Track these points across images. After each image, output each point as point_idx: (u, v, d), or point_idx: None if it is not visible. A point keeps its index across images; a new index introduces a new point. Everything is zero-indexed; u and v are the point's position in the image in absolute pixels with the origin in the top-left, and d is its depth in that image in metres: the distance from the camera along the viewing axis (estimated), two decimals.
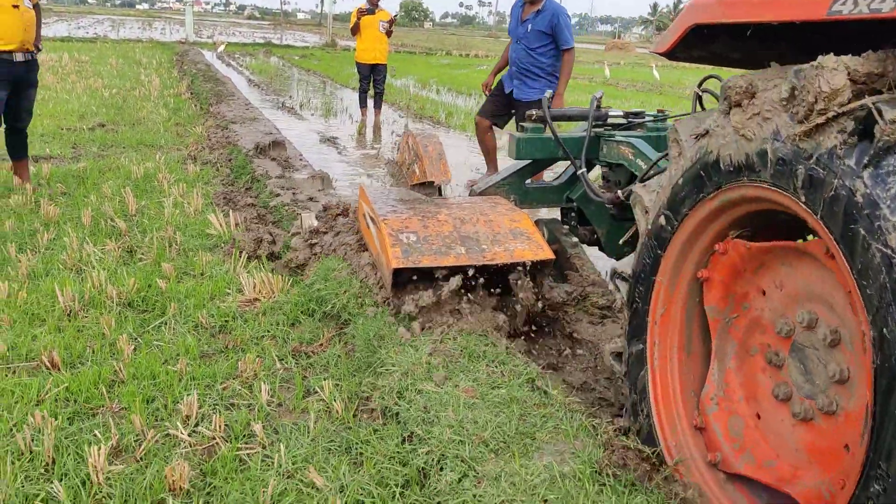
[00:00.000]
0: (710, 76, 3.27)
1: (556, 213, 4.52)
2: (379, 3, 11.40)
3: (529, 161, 4.13)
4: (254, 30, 53.66)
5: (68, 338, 3.37)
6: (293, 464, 2.52)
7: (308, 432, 2.73)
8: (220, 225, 5.02)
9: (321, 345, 3.50)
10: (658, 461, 2.28)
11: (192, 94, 12.78)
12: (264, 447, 2.63)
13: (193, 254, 4.57)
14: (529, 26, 6.34)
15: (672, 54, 2.32)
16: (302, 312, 3.81)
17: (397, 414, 2.72)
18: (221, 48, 24.07)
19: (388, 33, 11.51)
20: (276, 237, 4.70)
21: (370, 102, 11.76)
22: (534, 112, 3.99)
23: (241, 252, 4.51)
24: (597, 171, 4.32)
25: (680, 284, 2.25)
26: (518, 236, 3.45)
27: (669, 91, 20.25)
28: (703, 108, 3.37)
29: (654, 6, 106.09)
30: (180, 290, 3.98)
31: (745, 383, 2.11)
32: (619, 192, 3.58)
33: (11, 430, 2.62)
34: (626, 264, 2.49)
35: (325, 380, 3.08)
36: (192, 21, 33.44)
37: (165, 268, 4.23)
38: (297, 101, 13.93)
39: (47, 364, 3.12)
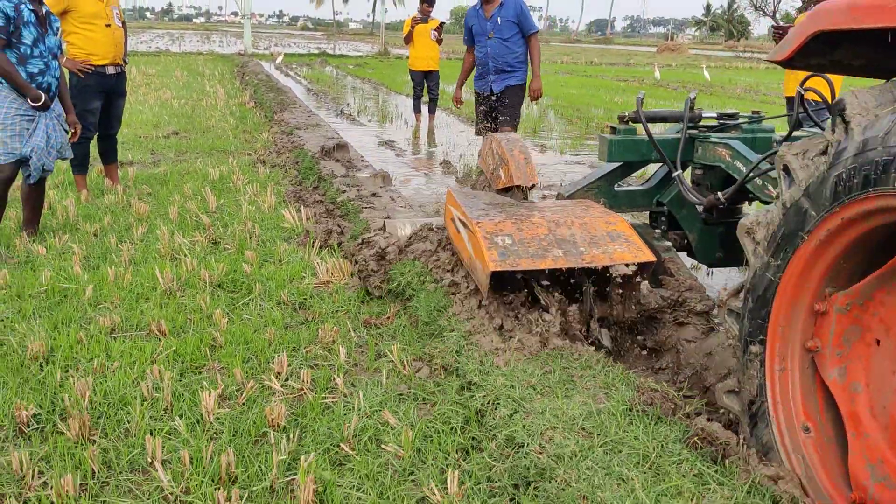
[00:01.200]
0: (813, 75, 3.20)
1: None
2: (431, 12, 11.92)
3: (619, 164, 4.05)
4: (307, 41, 54.85)
5: (171, 311, 3.89)
6: (370, 407, 2.98)
7: (381, 385, 3.19)
8: (293, 219, 5.53)
9: (388, 317, 3.95)
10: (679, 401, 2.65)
11: (255, 102, 13.45)
12: (345, 396, 3.09)
13: (271, 244, 5.09)
14: (498, 19, 6.62)
15: (789, 62, 2.27)
16: (369, 292, 4.28)
17: (457, 369, 3.16)
18: (280, 59, 24.88)
19: (439, 41, 12.01)
20: (345, 229, 5.19)
21: (424, 108, 12.27)
22: (626, 114, 3.95)
23: (314, 242, 5.01)
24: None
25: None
26: (616, 239, 3.34)
27: (720, 92, 20.35)
28: (804, 110, 3.43)
29: (708, 7, 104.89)
30: (263, 273, 4.49)
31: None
32: (720, 194, 3.48)
33: (135, 380, 3.13)
34: (736, 298, 2.38)
35: (393, 345, 3.54)
36: (249, 33, 34.52)
37: (248, 255, 4.75)
38: (354, 108, 14.52)
39: (156, 332, 3.64)
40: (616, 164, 4.06)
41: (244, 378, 3.19)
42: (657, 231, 4.11)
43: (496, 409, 2.76)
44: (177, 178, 7.12)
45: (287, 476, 2.53)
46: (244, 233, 5.28)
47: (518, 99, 6.87)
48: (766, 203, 3.33)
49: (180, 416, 2.88)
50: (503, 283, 3.45)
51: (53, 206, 5.75)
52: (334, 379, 3.21)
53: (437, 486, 2.45)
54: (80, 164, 6.26)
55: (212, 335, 3.62)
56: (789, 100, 7.25)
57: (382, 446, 2.72)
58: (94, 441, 2.70)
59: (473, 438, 2.76)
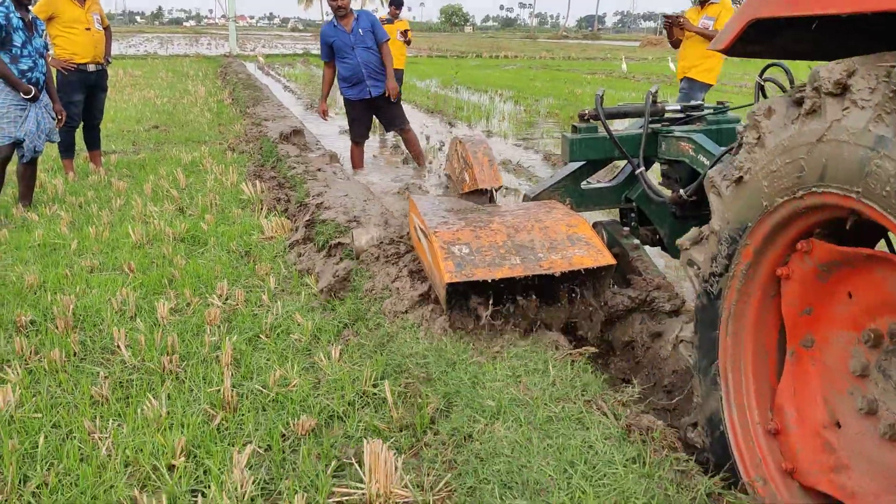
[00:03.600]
0: (772, 64, 3.25)
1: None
2: (399, 14, 12.87)
3: (583, 162, 4.03)
4: (296, 41, 55.79)
5: (139, 257, 4.85)
6: (285, 313, 3.94)
7: (298, 301, 4.16)
8: (250, 191, 6.49)
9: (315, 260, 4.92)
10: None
11: (233, 99, 14.40)
12: (268, 308, 4.06)
13: (228, 210, 6.05)
14: (360, 30, 7.46)
15: (731, 51, 2.27)
16: (305, 243, 5.24)
17: (354, 285, 4.13)
18: (261, 59, 25.81)
19: (407, 42, 12.96)
20: (290, 197, 6.15)
21: None
22: (587, 111, 3.92)
23: (262, 206, 5.98)
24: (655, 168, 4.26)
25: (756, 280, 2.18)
26: (576, 242, 3.31)
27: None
28: (765, 98, 3.33)
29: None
30: (218, 231, 5.45)
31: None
32: (682, 191, 3.48)
33: (108, 299, 4.09)
34: (699, 251, 2.39)
35: (313, 275, 4.50)
36: (234, 35, 35.44)
37: (207, 218, 5.71)
38: None
39: (127, 270, 4.60)
40: (580, 163, 4.04)
41: (192, 296, 4.15)
42: (626, 228, 4.14)
43: (372, 305, 3.74)
44: (153, 163, 8.07)
45: (215, 353, 3.49)
46: (206, 202, 6.23)
47: (398, 98, 7.75)
48: None
49: (141, 320, 3.84)
50: (476, 289, 3.41)
51: (45, 185, 6.71)
52: (263, 298, 4.18)
53: (324, 356, 3.42)
54: (66, 150, 7.24)
55: (171, 272, 4.58)
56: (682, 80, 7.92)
57: (290, 335, 3.69)
58: (76, 334, 3.66)
59: (355, 324, 3.73)
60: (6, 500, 2.43)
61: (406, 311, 3.57)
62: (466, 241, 3.28)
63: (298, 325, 3.79)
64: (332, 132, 11.21)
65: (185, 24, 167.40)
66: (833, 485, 1.91)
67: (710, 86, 7.48)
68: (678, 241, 2.48)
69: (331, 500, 2.41)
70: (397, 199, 6.21)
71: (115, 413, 2.97)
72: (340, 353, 3.44)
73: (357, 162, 8.03)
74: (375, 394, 3.06)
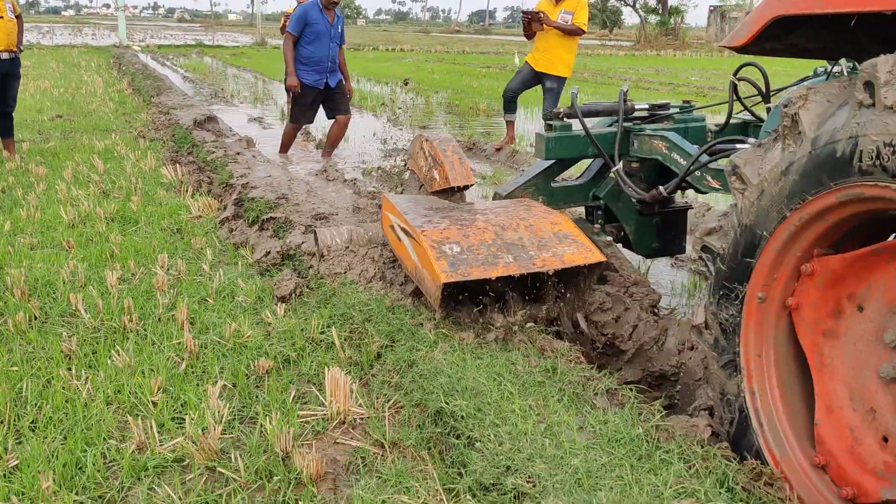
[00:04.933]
0: (747, 64, 3.26)
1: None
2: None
3: (553, 160, 4.05)
4: (185, 32, 54.59)
5: (76, 234, 5.09)
6: (228, 279, 4.31)
7: (237, 269, 4.53)
8: (171, 174, 6.74)
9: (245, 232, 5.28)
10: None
11: (133, 89, 14.34)
12: (210, 276, 4.41)
13: (153, 192, 6.30)
14: (340, 27, 8.03)
15: (745, 48, 2.27)
16: (235, 219, 5.58)
17: (295, 258, 4.53)
18: (145, 48, 25.40)
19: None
20: (213, 179, 6.46)
21: None
22: (561, 110, 3.95)
23: (187, 188, 6.27)
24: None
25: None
26: (563, 239, 3.30)
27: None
28: (738, 98, 3.62)
29: None
30: (147, 211, 5.72)
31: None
32: (661, 188, 3.59)
33: (56, 270, 4.35)
34: (715, 238, 2.39)
35: (248, 247, 4.87)
36: (124, 25, 34.53)
37: (135, 199, 5.96)
38: (228, 92, 15.59)
39: (66, 247, 4.85)
40: (551, 161, 4.06)
41: (136, 267, 4.46)
42: (595, 226, 4.19)
43: (321, 267, 4.17)
44: (66, 150, 8.15)
45: (170, 313, 3.84)
46: (130, 186, 6.46)
47: (345, 88, 8.31)
48: (704, 193, 3.64)
49: (93, 288, 4.14)
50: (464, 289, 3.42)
51: None
52: (203, 267, 4.52)
53: (270, 313, 3.82)
54: None
55: (110, 248, 4.85)
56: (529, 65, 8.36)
57: (236, 297, 4.07)
58: (34, 300, 3.93)
59: (298, 290, 4.14)
60: (4, 436, 2.75)
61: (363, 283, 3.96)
62: (456, 240, 3.22)
63: (242, 288, 4.17)
64: (241, 120, 11.43)
65: (63, 13, 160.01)
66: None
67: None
68: (699, 234, 2.45)
69: (298, 421, 2.84)
70: (326, 183, 6.58)
71: (87, 365, 3.30)
72: (285, 311, 3.85)
73: (288, 143, 8.38)
74: (323, 339, 3.50)
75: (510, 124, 9.06)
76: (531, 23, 8.09)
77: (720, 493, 2.11)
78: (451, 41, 52.42)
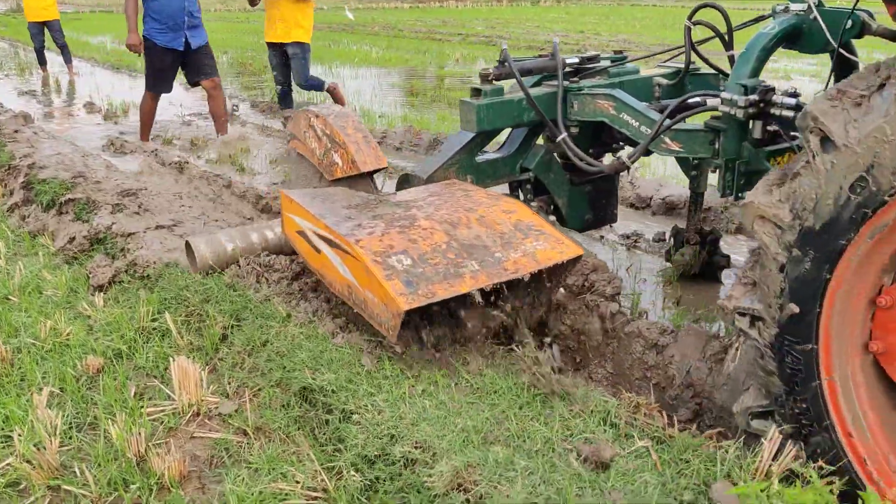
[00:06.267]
0: (705, 5, 2.98)
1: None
2: None
3: (475, 133, 3.33)
4: None
5: None
6: (31, 272, 3.85)
7: (39, 261, 4.05)
8: None
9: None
10: None
11: None
12: (8, 271, 3.91)
13: None
14: None
15: None
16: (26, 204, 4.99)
17: (104, 241, 4.12)
18: None
19: None
20: None
21: (53, 57, 12.36)
22: (489, 70, 3.27)
23: None
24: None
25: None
26: (528, 232, 2.76)
27: (361, 30, 22.09)
28: (690, 43, 3.23)
29: None
30: None
31: None
32: (623, 156, 3.12)
33: None
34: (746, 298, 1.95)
35: (47, 236, 4.37)
36: None
37: None
38: None
39: None
40: (472, 134, 3.35)
41: None
42: (533, 203, 3.56)
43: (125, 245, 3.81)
44: None
45: None
46: None
47: (211, 50, 7.03)
48: (659, 155, 3.16)
49: None
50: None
51: None
52: None
53: (88, 305, 3.44)
54: None
55: None
56: (271, 45, 7.60)
57: (43, 292, 3.64)
58: None
59: (117, 277, 3.77)
60: None
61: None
62: (402, 249, 2.56)
63: (49, 281, 3.74)
64: (11, 95, 10.28)
65: None
66: None
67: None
68: (746, 200, 1.91)
69: (148, 420, 2.58)
70: (124, 156, 6.03)
71: None
72: (105, 301, 3.49)
73: (148, 121, 7.02)
74: (156, 327, 3.20)
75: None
76: None
77: (605, 430, 2.15)
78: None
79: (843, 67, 2.74)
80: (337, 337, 2.72)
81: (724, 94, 2.75)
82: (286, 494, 2.18)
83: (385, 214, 2.83)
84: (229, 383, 2.78)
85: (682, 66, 3.46)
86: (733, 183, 2.88)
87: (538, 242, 2.70)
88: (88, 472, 2.27)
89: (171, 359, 2.69)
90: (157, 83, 6.83)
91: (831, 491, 1.53)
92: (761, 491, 1.53)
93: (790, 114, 2.60)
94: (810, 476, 1.73)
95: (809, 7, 2.75)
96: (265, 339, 2.83)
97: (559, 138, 3.22)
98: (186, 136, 7.48)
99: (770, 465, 1.85)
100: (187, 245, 3.53)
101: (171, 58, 6.70)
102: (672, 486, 1.87)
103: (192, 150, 6.87)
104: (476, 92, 3.28)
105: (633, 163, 3.05)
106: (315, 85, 7.60)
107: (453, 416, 2.22)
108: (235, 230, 3.60)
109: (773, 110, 2.68)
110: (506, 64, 3.22)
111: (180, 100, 9.69)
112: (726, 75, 3.27)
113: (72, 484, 2.26)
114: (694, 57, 3.40)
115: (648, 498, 1.80)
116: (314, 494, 2.18)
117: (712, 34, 3.33)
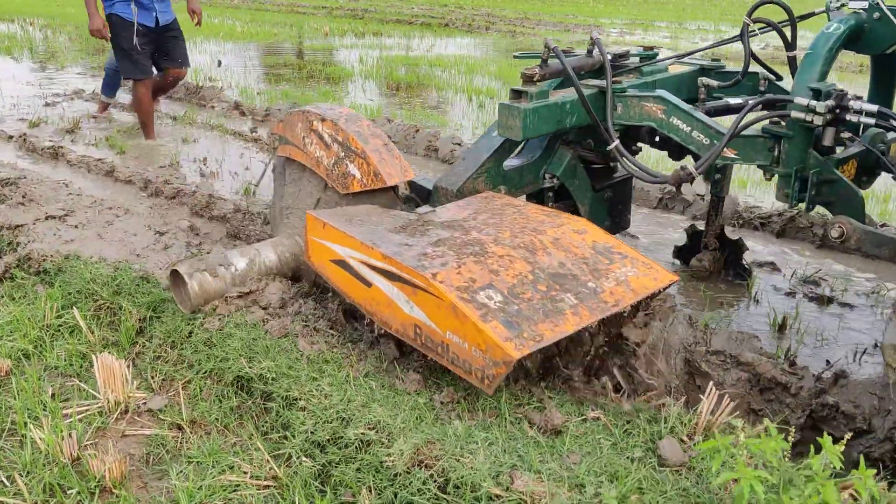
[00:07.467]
0: (763, 3, 2.78)
1: None
2: None
3: (504, 139, 3.05)
4: None
5: None
6: None
7: None
8: None
9: None
10: None
11: None
12: None
13: None
14: None
15: None
16: None
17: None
18: None
19: None
20: None
21: None
22: (534, 70, 2.91)
23: None
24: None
25: None
26: (611, 256, 2.48)
27: (220, 2, 21.30)
28: (742, 40, 3.06)
29: None
30: None
31: None
32: (689, 166, 2.74)
33: None
34: None
35: None
36: None
37: None
38: None
39: None
40: (500, 140, 3.08)
41: None
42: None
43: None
44: None
45: None
46: None
47: (180, 31, 6.13)
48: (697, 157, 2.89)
49: None
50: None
51: None
52: None
53: None
54: None
55: None
56: None
57: None
58: None
59: (7, 273, 3.55)
60: None
61: None
62: (486, 282, 2.23)
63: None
64: None
65: None
66: None
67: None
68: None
69: (75, 420, 2.46)
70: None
71: None
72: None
73: (148, 112, 6.07)
74: (63, 324, 3.04)
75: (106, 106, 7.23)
76: None
77: (552, 397, 2.24)
78: None
79: (880, 72, 2.76)
80: (268, 324, 2.68)
81: (797, 99, 2.57)
82: (236, 486, 2.15)
83: (445, 239, 2.46)
84: (153, 377, 2.69)
85: (705, 63, 3.33)
86: (806, 194, 2.68)
87: (626, 268, 2.43)
88: (20, 480, 2.16)
89: (93, 356, 2.56)
90: (137, 65, 5.85)
91: (786, 439, 1.67)
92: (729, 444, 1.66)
93: (869, 121, 2.49)
94: (747, 429, 1.88)
95: (876, 5, 2.61)
96: (189, 330, 2.75)
97: (611, 146, 2.90)
98: (53, 117, 7.01)
99: (709, 420, 2.00)
100: (174, 273, 2.87)
101: (144, 33, 5.79)
102: (622, 444, 1.98)
103: (64, 134, 6.46)
104: (517, 94, 2.89)
105: (700, 173, 2.72)
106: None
107: (401, 395, 2.25)
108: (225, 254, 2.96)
109: (848, 116, 2.53)
110: (548, 63, 2.91)
111: (32, 78, 9.08)
112: (779, 77, 3.25)
113: (3, 494, 2.14)
114: (709, 54, 3.21)
115: (605, 457, 1.90)
116: (264, 483, 2.17)
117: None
